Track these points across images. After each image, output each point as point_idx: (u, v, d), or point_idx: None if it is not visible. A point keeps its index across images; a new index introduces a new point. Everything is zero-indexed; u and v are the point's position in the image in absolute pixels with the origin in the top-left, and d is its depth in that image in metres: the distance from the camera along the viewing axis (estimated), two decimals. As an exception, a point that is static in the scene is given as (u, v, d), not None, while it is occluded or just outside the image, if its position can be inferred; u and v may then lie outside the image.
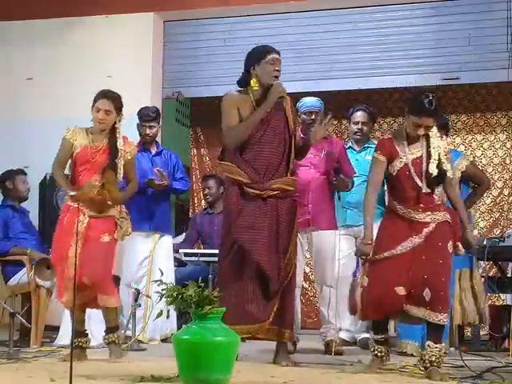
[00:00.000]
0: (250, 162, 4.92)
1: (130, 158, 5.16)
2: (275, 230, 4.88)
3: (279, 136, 4.97)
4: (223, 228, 5.06)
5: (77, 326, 5.03)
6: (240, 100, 4.99)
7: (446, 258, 4.53)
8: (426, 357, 4.42)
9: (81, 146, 5.06)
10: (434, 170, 4.53)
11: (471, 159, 6.25)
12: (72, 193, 4.88)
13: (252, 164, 4.91)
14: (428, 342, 4.47)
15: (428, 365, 4.41)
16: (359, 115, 6.27)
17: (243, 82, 5.06)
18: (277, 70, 4.93)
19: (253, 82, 4.98)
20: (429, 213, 4.55)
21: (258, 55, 4.99)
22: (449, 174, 4.57)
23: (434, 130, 4.60)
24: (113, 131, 5.11)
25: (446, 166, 4.55)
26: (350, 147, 6.33)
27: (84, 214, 4.97)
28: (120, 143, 5.10)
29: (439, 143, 4.58)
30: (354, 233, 6.10)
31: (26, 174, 6.55)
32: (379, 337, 4.63)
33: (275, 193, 4.89)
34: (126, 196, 5.20)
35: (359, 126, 6.26)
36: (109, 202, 5.01)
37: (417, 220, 4.55)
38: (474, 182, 5.97)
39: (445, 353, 5.61)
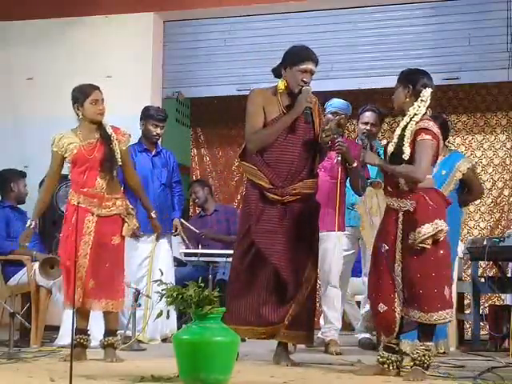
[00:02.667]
0: (272, 165, 4.81)
1: (124, 148, 5.11)
2: (295, 234, 4.82)
3: (303, 140, 4.84)
4: (240, 230, 5.00)
5: (81, 324, 5.03)
6: (267, 99, 4.86)
7: (419, 252, 4.26)
8: (411, 354, 4.35)
9: (75, 148, 5.00)
10: (390, 149, 4.39)
11: (473, 164, 6.11)
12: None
13: (274, 168, 4.81)
14: (417, 340, 4.42)
15: (416, 362, 4.29)
16: (368, 115, 6.15)
17: (276, 73, 4.93)
18: (304, 81, 4.79)
19: (281, 83, 4.87)
20: (395, 199, 4.38)
21: (293, 59, 4.83)
22: (404, 156, 4.29)
23: (413, 111, 4.36)
24: (100, 124, 5.07)
25: (405, 149, 4.29)
26: None
27: (93, 214, 4.97)
28: (111, 132, 5.04)
29: (409, 124, 4.33)
30: (357, 233, 6.10)
31: (25, 177, 6.58)
32: (387, 341, 4.45)
33: (295, 198, 4.83)
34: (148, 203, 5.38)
35: (368, 127, 6.16)
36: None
37: (388, 206, 4.44)
38: (467, 187, 5.84)
39: (444, 352, 5.64)
